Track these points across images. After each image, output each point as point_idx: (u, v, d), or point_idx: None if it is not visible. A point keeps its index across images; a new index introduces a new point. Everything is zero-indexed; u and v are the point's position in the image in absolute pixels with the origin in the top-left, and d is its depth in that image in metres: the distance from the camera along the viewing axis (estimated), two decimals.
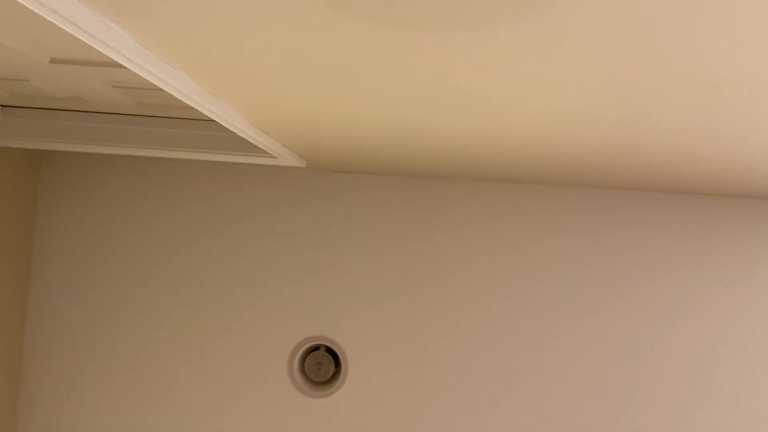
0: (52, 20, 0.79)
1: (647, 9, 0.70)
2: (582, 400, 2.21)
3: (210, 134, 1.79)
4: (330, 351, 2.32)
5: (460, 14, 0.74)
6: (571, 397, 2.21)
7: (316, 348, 2.33)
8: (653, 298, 2.22)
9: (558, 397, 2.21)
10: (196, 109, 1.27)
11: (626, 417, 2.20)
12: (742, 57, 0.84)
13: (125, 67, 0.98)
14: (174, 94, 1.15)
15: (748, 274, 2.20)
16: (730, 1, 0.66)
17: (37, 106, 1.81)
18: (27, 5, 0.74)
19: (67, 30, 0.82)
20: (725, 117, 1.16)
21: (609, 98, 1.08)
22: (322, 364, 2.32)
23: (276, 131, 1.59)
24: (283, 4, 0.76)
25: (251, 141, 1.59)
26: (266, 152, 1.77)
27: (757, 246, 2.20)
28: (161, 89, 1.12)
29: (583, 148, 1.53)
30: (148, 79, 1.05)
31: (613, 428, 2.20)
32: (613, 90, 1.03)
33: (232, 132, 1.51)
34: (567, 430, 2.21)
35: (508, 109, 1.20)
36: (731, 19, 0.71)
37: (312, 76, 1.08)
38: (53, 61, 1.30)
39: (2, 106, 1.82)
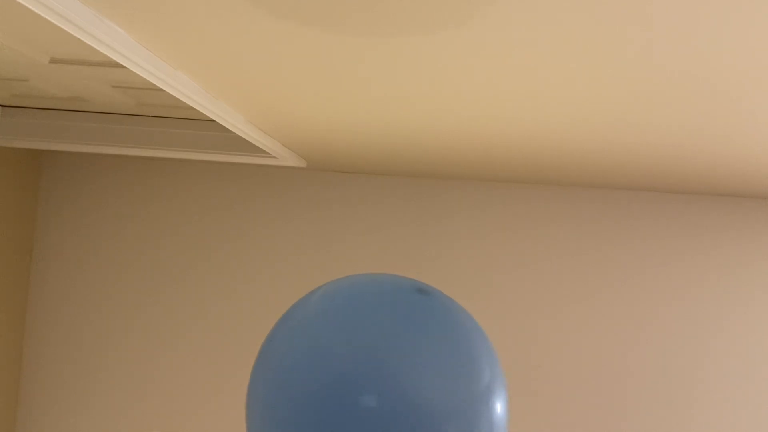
0: (52, 20, 0.79)
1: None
2: (582, 398, 2.21)
3: (210, 134, 1.79)
4: None
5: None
6: (570, 396, 2.21)
7: None
8: (652, 297, 2.21)
9: (558, 395, 2.21)
10: (196, 109, 1.27)
11: (626, 416, 2.20)
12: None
13: (125, 67, 0.98)
14: (174, 94, 1.15)
15: (747, 273, 2.20)
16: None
17: (37, 106, 1.81)
18: (27, 5, 0.74)
19: (67, 30, 0.82)
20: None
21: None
22: None
23: (276, 131, 1.59)
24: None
25: (251, 141, 1.59)
26: (266, 152, 1.76)
27: (756, 246, 2.20)
28: (161, 89, 1.12)
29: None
30: (148, 79, 1.05)
31: (610, 424, 2.20)
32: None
33: (232, 132, 1.51)
34: (565, 427, 2.21)
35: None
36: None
37: (309, 78, 1.09)
38: (53, 61, 1.30)
39: (2, 106, 1.82)
